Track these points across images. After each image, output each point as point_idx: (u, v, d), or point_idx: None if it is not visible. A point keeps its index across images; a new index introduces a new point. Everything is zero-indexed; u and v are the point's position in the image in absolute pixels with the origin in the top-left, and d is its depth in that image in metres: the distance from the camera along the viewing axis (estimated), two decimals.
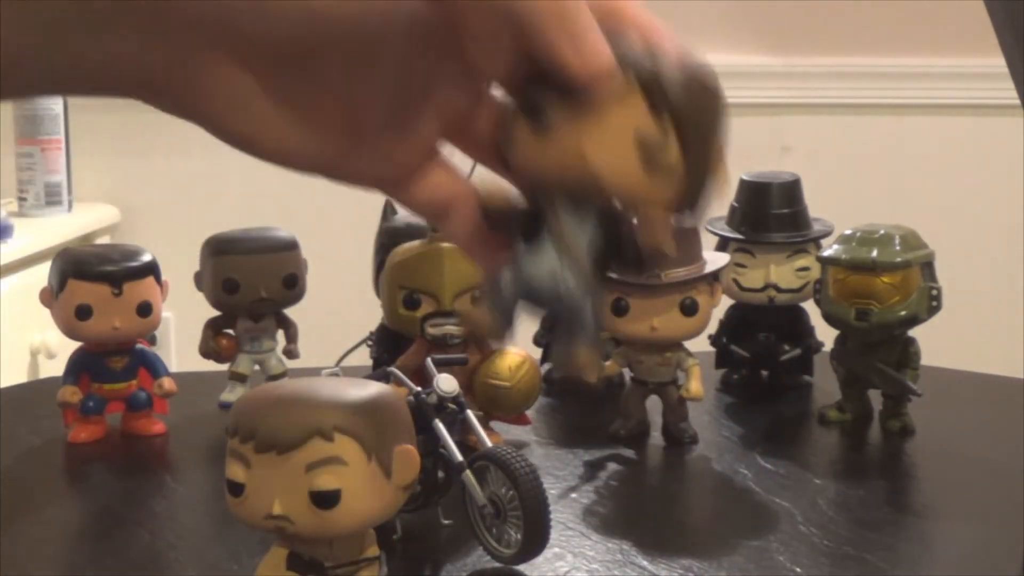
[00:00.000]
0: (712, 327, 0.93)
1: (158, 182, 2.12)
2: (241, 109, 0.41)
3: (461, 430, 0.70)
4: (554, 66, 0.39)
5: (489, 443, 0.68)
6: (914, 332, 0.89)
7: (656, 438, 0.88)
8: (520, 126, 0.42)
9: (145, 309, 0.88)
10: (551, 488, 0.72)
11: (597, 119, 0.41)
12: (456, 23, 0.40)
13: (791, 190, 0.97)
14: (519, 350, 0.83)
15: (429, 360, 0.72)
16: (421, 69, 0.41)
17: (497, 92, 0.43)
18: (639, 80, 0.40)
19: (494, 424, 0.83)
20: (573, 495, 0.78)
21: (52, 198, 1.96)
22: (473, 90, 0.43)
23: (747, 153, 2.01)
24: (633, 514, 0.77)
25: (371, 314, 0.90)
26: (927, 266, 0.87)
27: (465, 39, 0.40)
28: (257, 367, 0.95)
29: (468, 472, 0.66)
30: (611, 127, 0.41)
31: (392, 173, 0.43)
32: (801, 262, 0.96)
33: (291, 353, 0.96)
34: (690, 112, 0.41)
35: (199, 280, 0.93)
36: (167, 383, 0.90)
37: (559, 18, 0.39)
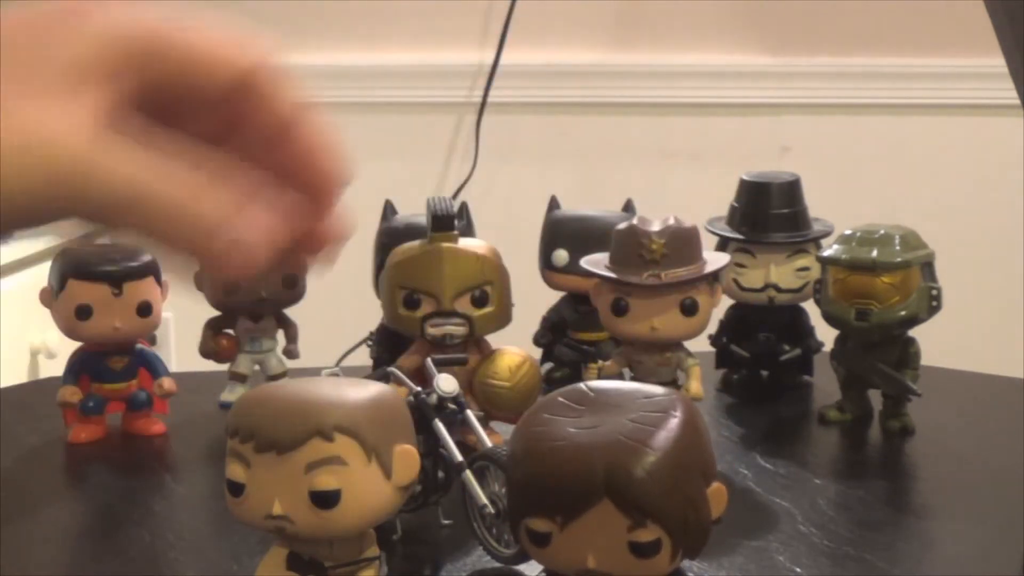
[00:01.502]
0: (712, 327, 0.93)
1: None
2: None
3: (461, 430, 0.70)
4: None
5: (489, 443, 0.68)
6: (914, 332, 0.89)
7: None
8: (527, 542, 0.53)
9: (145, 309, 0.88)
10: None
11: (592, 534, 0.51)
12: None
13: (791, 190, 0.97)
14: (519, 350, 0.83)
15: (429, 360, 0.72)
16: None
17: None
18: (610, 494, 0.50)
19: (494, 424, 0.83)
20: None
21: None
22: None
23: (747, 153, 2.02)
24: None
25: (371, 314, 0.91)
26: (927, 266, 0.87)
27: None
28: (257, 367, 0.95)
29: (468, 472, 0.66)
30: (604, 535, 0.51)
31: None
32: (801, 262, 0.96)
33: (291, 353, 0.96)
34: (665, 507, 0.51)
35: (199, 280, 0.93)
36: (167, 383, 0.90)
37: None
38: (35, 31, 0.39)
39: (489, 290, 0.81)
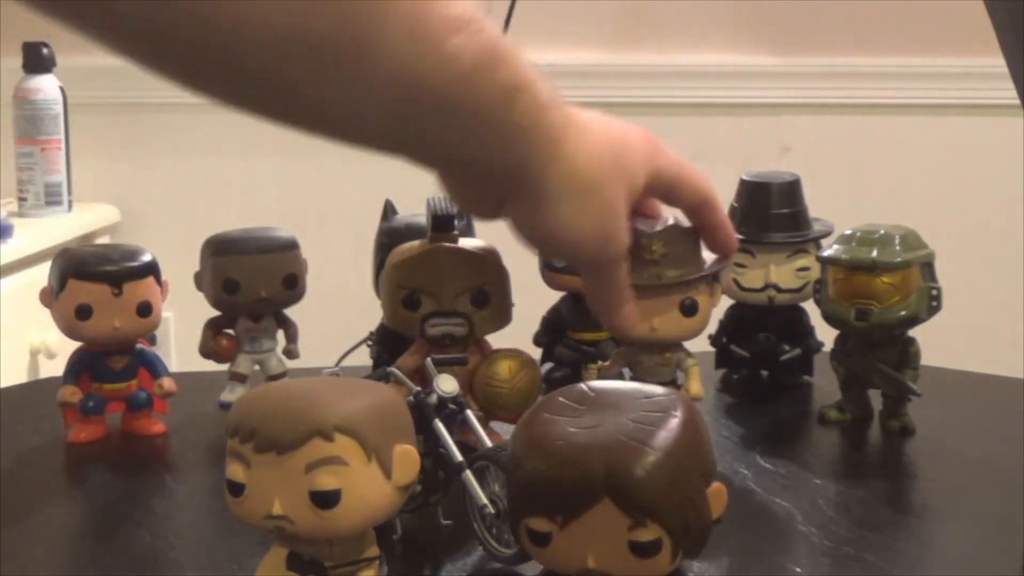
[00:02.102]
0: (712, 327, 0.93)
1: (158, 182, 2.12)
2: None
3: (461, 430, 0.70)
4: None
5: (489, 443, 0.68)
6: (914, 332, 0.89)
7: None
8: (527, 542, 0.54)
9: (145, 309, 0.88)
10: None
11: (592, 534, 0.51)
12: None
13: (791, 190, 0.97)
14: (519, 350, 0.83)
15: (429, 360, 0.72)
16: None
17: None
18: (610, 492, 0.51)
19: (494, 424, 0.83)
20: None
21: (52, 198, 1.96)
22: None
23: (747, 153, 2.02)
24: None
25: (371, 314, 0.90)
26: (927, 266, 0.87)
27: None
28: (257, 367, 0.95)
29: (468, 472, 0.66)
30: (604, 535, 0.51)
31: None
32: (801, 262, 0.96)
33: (291, 353, 0.96)
34: (665, 507, 0.51)
35: (199, 280, 0.93)
36: (167, 383, 0.90)
37: None
38: (622, 148, 0.70)
39: (489, 290, 0.81)
